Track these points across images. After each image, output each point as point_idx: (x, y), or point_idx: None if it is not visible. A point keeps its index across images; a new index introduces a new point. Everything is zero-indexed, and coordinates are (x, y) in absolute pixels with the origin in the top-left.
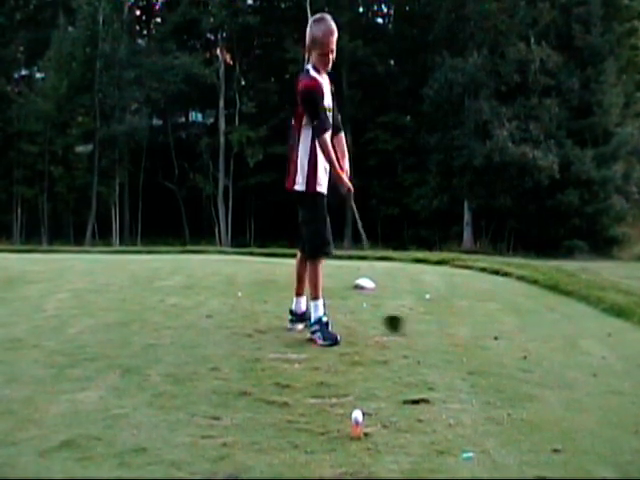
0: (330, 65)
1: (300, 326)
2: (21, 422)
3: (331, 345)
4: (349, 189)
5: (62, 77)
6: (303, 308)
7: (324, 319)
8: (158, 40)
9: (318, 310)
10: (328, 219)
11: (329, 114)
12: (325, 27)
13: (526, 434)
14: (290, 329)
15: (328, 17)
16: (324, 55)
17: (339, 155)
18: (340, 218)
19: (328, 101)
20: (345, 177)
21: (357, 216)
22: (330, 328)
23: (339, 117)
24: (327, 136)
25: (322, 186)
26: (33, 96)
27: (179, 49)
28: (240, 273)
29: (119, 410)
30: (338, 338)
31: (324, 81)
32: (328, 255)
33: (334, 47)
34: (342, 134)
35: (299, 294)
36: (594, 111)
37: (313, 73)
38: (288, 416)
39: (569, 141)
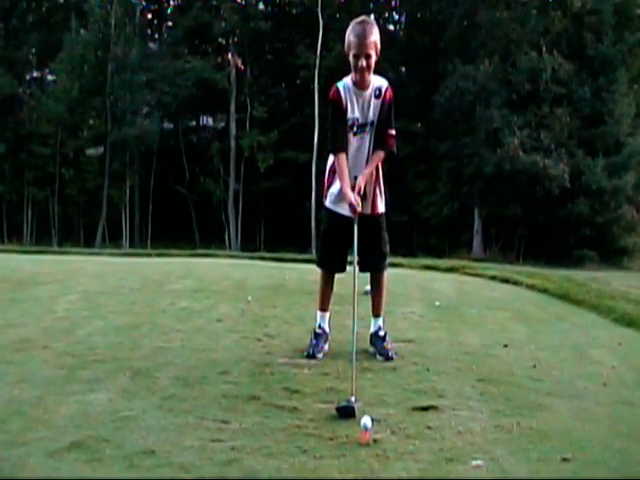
0: (364, 77)
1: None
2: (31, 423)
3: (307, 356)
4: (354, 210)
5: (74, 80)
6: (372, 328)
7: (317, 330)
8: (170, 44)
9: (317, 318)
10: (337, 238)
11: (351, 133)
12: (351, 30)
13: (535, 443)
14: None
15: (364, 20)
16: (353, 65)
17: (366, 172)
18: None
19: (355, 115)
20: (351, 197)
21: (355, 243)
22: (319, 343)
23: (383, 134)
24: (337, 156)
25: (333, 203)
26: (45, 98)
27: (190, 53)
28: (250, 277)
29: (128, 412)
30: (311, 353)
31: (355, 95)
32: (323, 269)
33: (362, 57)
34: (380, 153)
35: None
36: (605, 120)
37: (341, 82)
38: (297, 421)
39: (580, 150)
